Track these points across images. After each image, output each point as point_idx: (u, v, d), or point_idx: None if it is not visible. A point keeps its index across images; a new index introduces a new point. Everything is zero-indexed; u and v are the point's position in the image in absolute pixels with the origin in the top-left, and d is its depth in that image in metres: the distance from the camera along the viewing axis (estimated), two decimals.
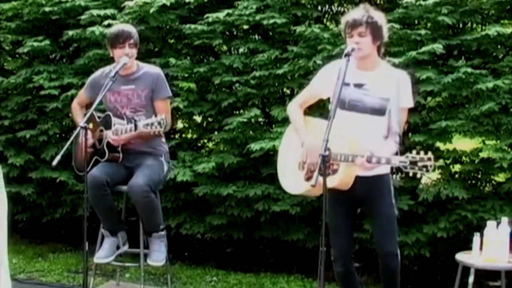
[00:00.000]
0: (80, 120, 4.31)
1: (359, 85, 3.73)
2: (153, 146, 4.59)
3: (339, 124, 3.55)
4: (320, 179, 3.28)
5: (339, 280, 3.97)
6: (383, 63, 3.88)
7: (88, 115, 4.11)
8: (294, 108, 3.96)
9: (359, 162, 3.55)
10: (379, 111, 3.70)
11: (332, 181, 3.60)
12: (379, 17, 3.75)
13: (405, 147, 3.84)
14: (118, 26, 4.65)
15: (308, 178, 3.76)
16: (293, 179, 3.88)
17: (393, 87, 3.71)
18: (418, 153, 3.46)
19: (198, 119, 5.91)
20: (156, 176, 4.49)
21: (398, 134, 3.66)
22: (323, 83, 3.82)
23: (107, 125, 4.50)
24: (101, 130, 4.53)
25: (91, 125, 4.57)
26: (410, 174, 3.52)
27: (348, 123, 3.68)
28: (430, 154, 3.46)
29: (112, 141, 4.43)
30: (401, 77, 3.78)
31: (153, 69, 4.66)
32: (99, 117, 4.64)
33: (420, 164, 3.44)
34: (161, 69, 4.82)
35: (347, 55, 3.59)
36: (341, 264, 3.89)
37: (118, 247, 4.59)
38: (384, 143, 3.67)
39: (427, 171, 3.46)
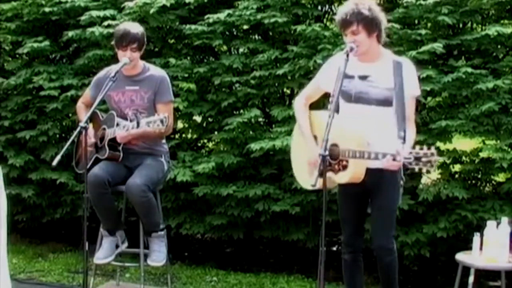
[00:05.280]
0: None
1: (363, 77, 3.71)
2: (153, 146, 4.58)
3: (346, 118, 3.55)
4: (320, 179, 3.27)
5: (345, 268, 3.96)
6: (386, 52, 3.81)
7: (88, 114, 4.11)
8: (299, 104, 3.94)
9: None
10: (385, 102, 3.67)
11: (343, 177, 3.59)
12: (369, 8, 3.63)
13: None
14: (125, 26, 4.52)
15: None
16: (305, 174, 3.84)
17: (397, 75, 3.66)
18: (421, 148, 3.40)
19: (198, 119, 5.91)
20: (154, 176, 4.47)
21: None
22: (327, 77, 3.79)
23: (110, 123, 4.49)
24: (104, 129, 4.53)
25: (94, 124, 4.58)
26: (416, 170, 3.48)
27: (355, 116, 3.67)
28: (433, 149, 3.39)
29: (121, 138, 4.40)
30: (405, 65, 3.72)
31: (158, 72, 4.61)
32: (102, 116, 4.64)
33: (424, 159, 3.36)
34: (161, 69, 4.80)
35: (346, 54, 3.58)
36: (348, 252, 3.90)
37: (117, 246, 4.59)
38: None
39: (432, 166, 3.37)
